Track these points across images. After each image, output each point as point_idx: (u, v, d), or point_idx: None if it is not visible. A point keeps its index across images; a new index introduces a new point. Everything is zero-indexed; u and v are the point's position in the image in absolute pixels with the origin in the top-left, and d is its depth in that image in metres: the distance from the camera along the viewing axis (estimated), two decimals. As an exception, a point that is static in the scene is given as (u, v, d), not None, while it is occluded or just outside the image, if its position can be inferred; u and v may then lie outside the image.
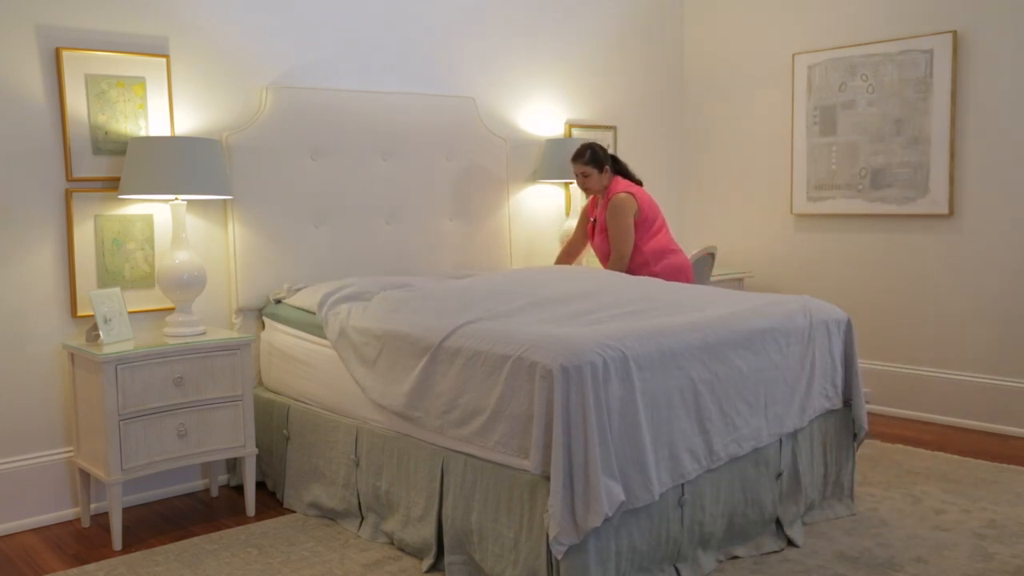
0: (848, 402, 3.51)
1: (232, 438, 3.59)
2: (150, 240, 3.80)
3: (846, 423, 3.54)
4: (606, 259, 4.42)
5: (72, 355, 3.51)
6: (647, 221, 4.38)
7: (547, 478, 2.59)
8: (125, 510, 3.60)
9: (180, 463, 3.48)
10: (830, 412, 3.47)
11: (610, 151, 4.43)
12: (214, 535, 3.41)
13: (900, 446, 4.38)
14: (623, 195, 4.32)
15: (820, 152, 5.29)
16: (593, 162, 4.37)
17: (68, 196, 3.59)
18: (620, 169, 4.52)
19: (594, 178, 4.40)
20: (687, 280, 4.41)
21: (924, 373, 4.92)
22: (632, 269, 4.36)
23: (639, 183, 4.53)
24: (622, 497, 2.60)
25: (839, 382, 3.46)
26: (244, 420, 3.61)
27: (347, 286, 3.78)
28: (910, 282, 4.93)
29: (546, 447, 2.59)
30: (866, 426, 3.54)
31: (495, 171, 4.86)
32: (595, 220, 4.51)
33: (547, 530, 2.55)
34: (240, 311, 4.02)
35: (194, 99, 3.91)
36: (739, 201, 5.78)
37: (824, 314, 3.42)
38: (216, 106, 3.97)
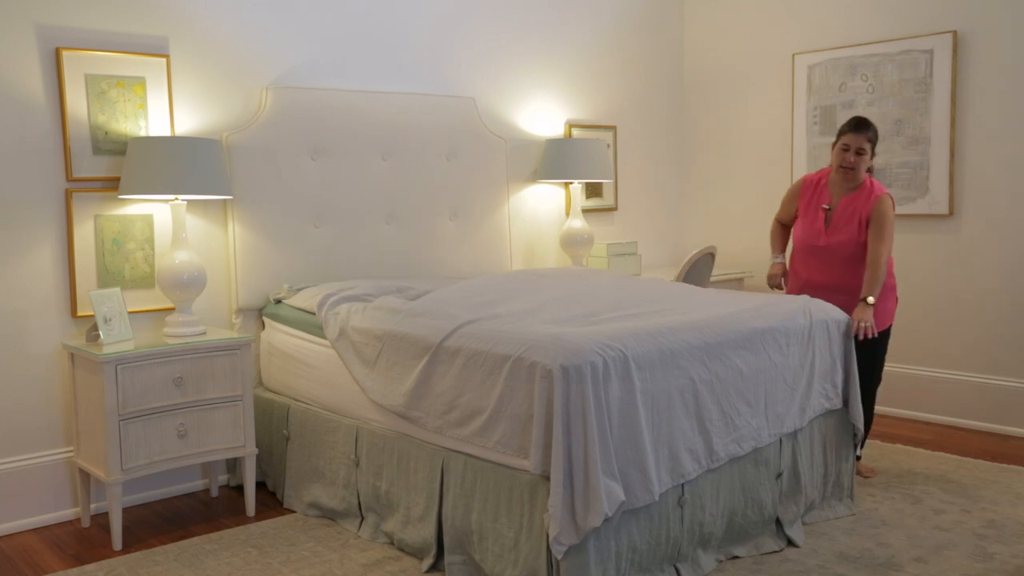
0: (848, 402, 3.52)
1: (232, 438, 3.59)
2: (150, 240, 3.80)
3: (846, 423, 3.54)
4: (837, 252, 3.77)
5: (72, 355, 3.51)
6: None
7: (547, 478, 2.59)
8: (125, 510, 3.60)
9: (180, 463, 3.48)
10: (830, 412, 3.47)
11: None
12: (214, 535, 3.41)
13: (900, 446, 4.38)
14: (886, 197, 3.75)
15: (820, 152, 5.29)
16: (874, 141, 3.77)
17: (68, 196, 3.59)
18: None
19: (864, 161, 3.76)
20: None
21: (924, 373, 4.92)
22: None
23: None
24: (622, 497, 2.60)
25: (839, 382, 3.47)
26: (244, 420, 3.61)
27: (348, 288, 3.78)
28: (910, 282, 4.93)
29: (546, 447, 2.59)
30: (862, 426, 3.55)
31: (495, 171, 4.86)
32: (829, 208, 3.83)
33: (547, 530, 2.55)
34: (240, 311, 4.02)
35: (194, 99, 3.91)
36: (739, 201, 5.78)
37: (824, 314, 3.42)
38: (216, 106, 3.97)
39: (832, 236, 3.79)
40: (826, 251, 3.80)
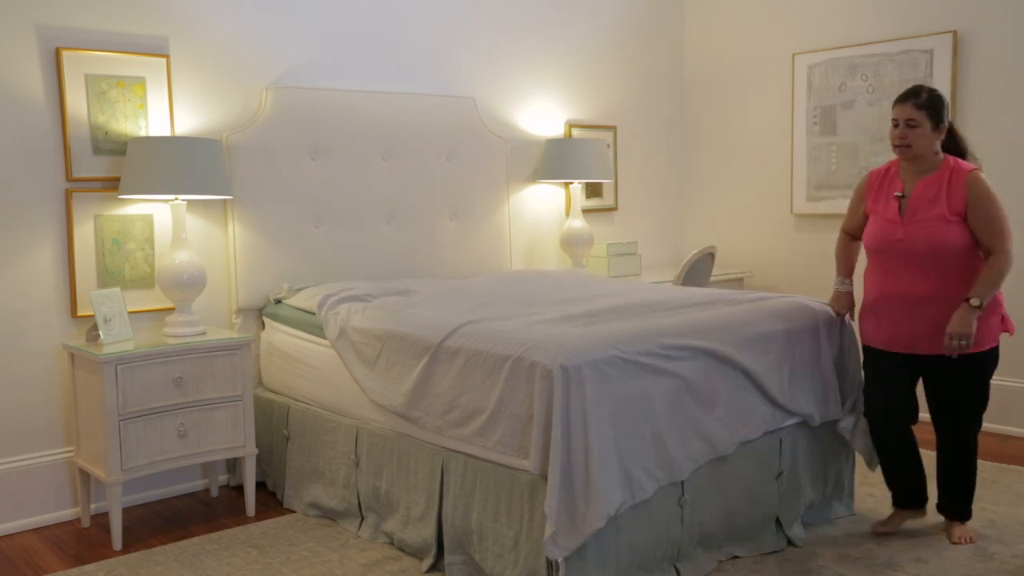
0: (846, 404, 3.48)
1: (232, 438, 3.58)
2: (150, 240, 3.80)
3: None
4: (918, 247, 3.04)
5: (72, 355, 3.51)
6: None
7: (547, 478, 2.59)
8: (125, 510, 3.60)
9: (180, 463, 3.48)
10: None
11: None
12: (214, 535, 3.41)
13: (900, 446, 4.37)
14: (979, 173, 3.05)
15: (820, 152, 5.29)
16: (929, 108, 3.03)
17: (68, 196, 3.59)
18: (953, 145, 3.17)
19: (923, 134, 3.04)
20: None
21: (924, 373, 4.90)
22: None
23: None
24: (622, 497, 2.60)
25: (839, 385, 3.44)
26: (244, 420, 3.61)
27: (348, 289, 3.78)
28: (910, 282, 4.93)
29: (545, 447, 2.59)
30: (859, 434, 3.44)
31: (495, 171, 4.86)
32: (903, 196, 3.12)
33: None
34: (240, 311, 4.02)
35: (194, 99, 3.91)
36: (739, 201, 5.78)
37: (824, 314, 3.42)
38: (216, 106, 3.97)
39: (910, 225, 3.05)
40: (904, 246, 3.06)
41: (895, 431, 3.22)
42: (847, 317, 3.41)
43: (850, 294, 3.38)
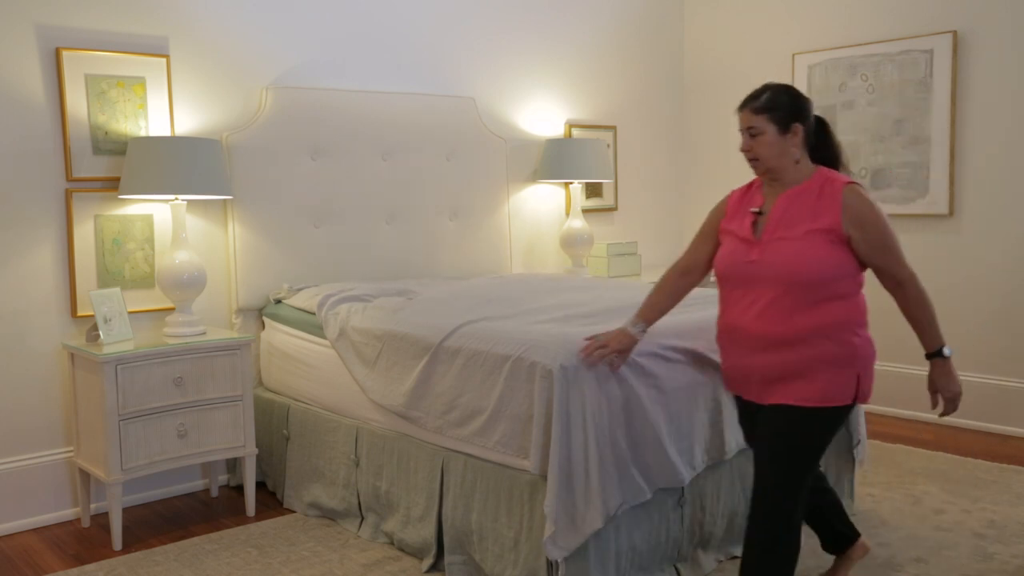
0: None
1: (232, 438, 3.58)
2: (150, 240, 3.80)
3: (846, 423, 3.53)
4: (774, 274, 2.37)
5: (72, 355, 3.51)
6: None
7: (547, 478, 2.59)
8: (125, 510, 3.60)
9: (180, 463, 3.48)
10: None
11: (812, 117, 2.51)
12: (214, 535, 3.41)
13: (900, 446, 4.37)
14: (857, 187, 2.41)
15: (820, 152, 5.29)
16: (769, 111, 2.43)
17: (68, 196, 3.59)
18: (824, 155, 2.53)
19: (767, 143, 2.45)
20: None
21: (924, 373, 4.89)
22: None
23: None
24: (622, 498, 2.60)
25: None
26: (244, 420, 3.61)
27: (348, 289, 3.79)
28: (910, 282, 4.93)
29: (546, 447, 2.59)
30: (863, 438, 3.46)
31: (495, 171, 4.86)
32: (760, 212, 2.50)
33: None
34: (240, 311, 4.02)
35: (194, 99, 3.91)
36: (739, 201, 5.78)
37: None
38: (216, 106, 3.97)
39: (766, 246, 2.41)
40: (754, 271, 2.40)
41: None
42: (610, 366, 2.64)
43: (633, 339, 2.62)
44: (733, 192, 2.68)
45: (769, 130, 2.43)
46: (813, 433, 2.37)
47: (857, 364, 2.37)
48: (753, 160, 2.49)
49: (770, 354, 2.37)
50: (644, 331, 2.65)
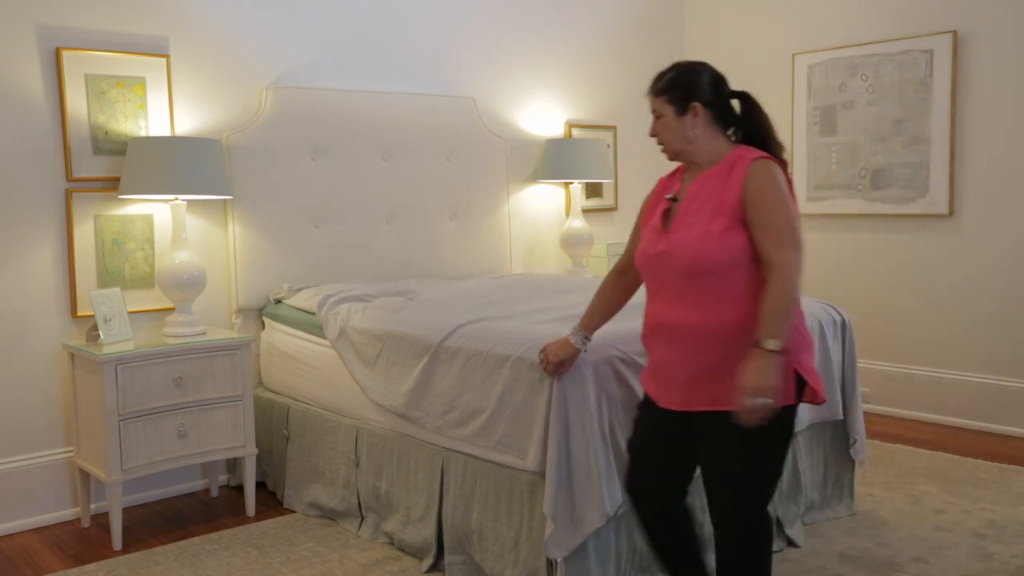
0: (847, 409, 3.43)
1: (232, 438, 3.58)
2: (150, 240, 3.80)
3: (844, 423, 3.52)
4: (679, 263, 2.18)
5: (72, 355, 3.51)
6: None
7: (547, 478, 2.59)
8: (125, 510, 3.59)
9: (180, 463, 3.48)
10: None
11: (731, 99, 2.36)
12: (214, 535, 3.41)
13: (900, 446, 4.37)
14: (766, 161, 2.19)
15: (820, 152, 5.29)
16: (667, 92, 2.29)
17: (68, 196, 3.59)
18: (751, 132, 2.30)
19: (667, 125, 2.30)
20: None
21: (924, 373, 4.91)
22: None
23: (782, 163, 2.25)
24: (622, 498, 2.60)
25: (838, 385, 3.44)
26: (244, 420, 3.61)
27: (348, 289, 3.79)
28: (910, 282, 4.93)
29: (546, 447, 2.59)
30: (860, 437, 3.45)
31: (495, 171, 4.86)
32: (674, 198, 2.28)
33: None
34: (240, 311, 4.02)
35: (194, 99, 3.91)
36: (739, 201, 5.77)
37: (823, 315, 3.41)
38: (216, 106, 3.97)
39: (674, 235, 2.21)
40: (663, 261, 2.22)
41: (652, 508, 2.36)
42: (554, 377, 2.56)
43: (574, 349, 2.50)
44: (660, 180, 2.44)
45: (668, 112, 2.27)
46: (757, 442, 2.10)
47: (790, 359, 2.09)
48: (660, 144, 2.32)
49: (690, 353, 2.16)
50: (585, 340, 2.51)
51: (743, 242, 2.13)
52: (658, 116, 2.29)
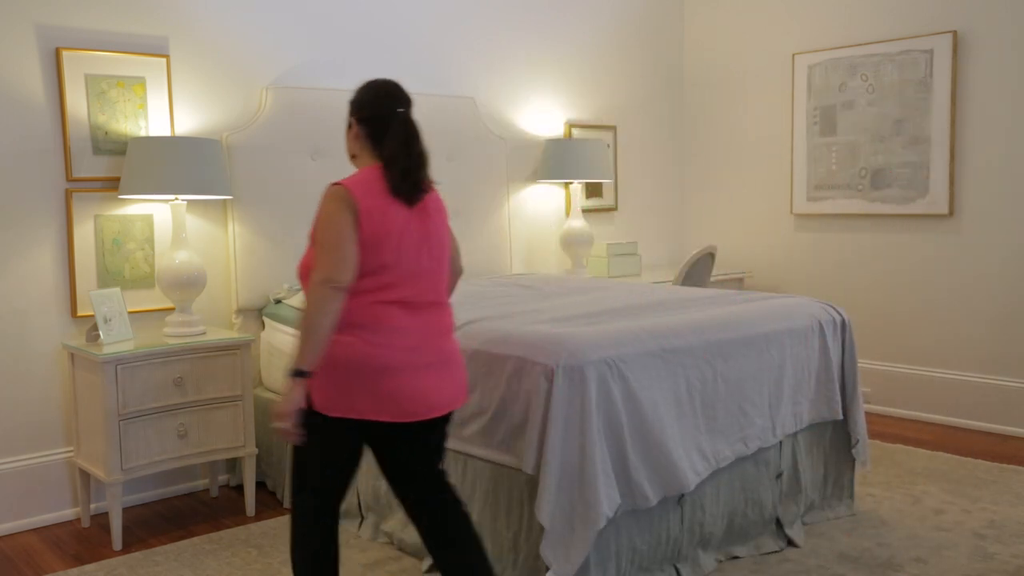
0: (847, 410, 3.44)
1: (232, 438, 3.58)
2: (150, 240, 3.80)
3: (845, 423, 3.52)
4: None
5: (72, 355, 3.51)
6: (368, 243, 2.21)
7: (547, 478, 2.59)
8: (125, 510, 3.60)
9: (180, 463, 3.48)
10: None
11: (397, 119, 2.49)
12: (214, 535, 3.41)
13: (900, 446, 4.38)
14: (333, 187, 2.25)
15: (820, 152, 5.29)
16: (349, 105, 2.45)
17: (68, 196, 3.59)
18: (387, 150, 2.38)
19: (348, 138, 2.44)
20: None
21: (924, 373, 4.92)
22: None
23: (415, 184, 2.49)
24: (621, 499, 2.60)
25: (838, 385, 3.44)
26: (244, 420, 3.61)
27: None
28: (910, 282, 4.93)
29: (542, 447, 2.59)
30: (862, 437, 3.46)
31: (495, 171, 4.86)
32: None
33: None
34: (240, 311, 4.02)
35: (194, 99, 3.91)
36: (739, 201, 5.78)
37: (823, 315, 3.42)
38: (216, 106, 3.97)
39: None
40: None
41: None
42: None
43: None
44: None
45: (348, 124, 2.42)
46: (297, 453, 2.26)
47: (318, 378, 2.18)
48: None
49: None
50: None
51: (306, 258, 2.25)
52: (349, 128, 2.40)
